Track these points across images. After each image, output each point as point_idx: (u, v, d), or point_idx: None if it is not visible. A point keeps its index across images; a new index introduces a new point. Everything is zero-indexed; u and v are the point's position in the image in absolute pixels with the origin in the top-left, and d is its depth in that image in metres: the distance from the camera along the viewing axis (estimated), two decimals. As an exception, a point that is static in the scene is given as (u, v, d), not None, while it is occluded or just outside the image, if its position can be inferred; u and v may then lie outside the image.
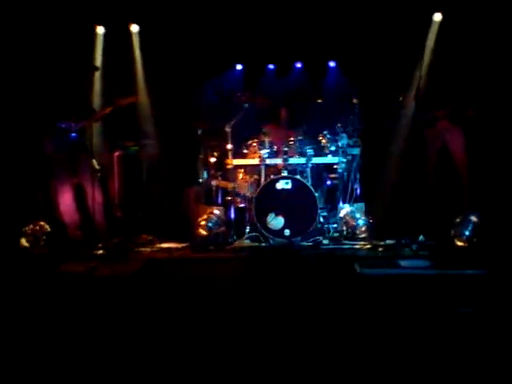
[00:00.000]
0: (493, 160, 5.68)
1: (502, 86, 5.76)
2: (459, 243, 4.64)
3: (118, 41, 6.68)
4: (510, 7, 5.65)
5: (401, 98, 6.03)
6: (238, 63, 7.02)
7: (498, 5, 5.77)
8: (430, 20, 6.28)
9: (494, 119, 5.73)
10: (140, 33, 6.78)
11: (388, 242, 5.05)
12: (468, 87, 5.50)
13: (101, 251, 5.02)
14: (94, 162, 5.31)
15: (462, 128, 5.57)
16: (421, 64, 5.53)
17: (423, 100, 5.54)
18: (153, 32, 6.67)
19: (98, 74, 6.38)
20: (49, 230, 5.20)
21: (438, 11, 6.22)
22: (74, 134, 5.44)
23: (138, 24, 6.73)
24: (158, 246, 5.38)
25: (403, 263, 4.24)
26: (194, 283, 4.15)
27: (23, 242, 5.14)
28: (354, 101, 5.75)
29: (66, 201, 5.52)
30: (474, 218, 4.65)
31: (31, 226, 5.14)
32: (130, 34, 6.77)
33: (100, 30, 6.63)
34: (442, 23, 6.24)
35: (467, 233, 4.62)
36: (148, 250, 5.23)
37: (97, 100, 6.41)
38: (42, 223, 5.21)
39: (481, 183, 5.46)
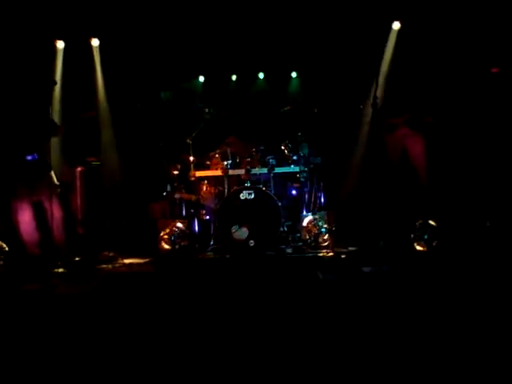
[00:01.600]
0: (452, 165, 5.77)
1: (459, 93, 5.88)
2: (419, 247, 4.69)
3: (77, 55, 6.61)
4: (467, 14, 5.79)
5: (361, 106, 6.09)
6: (201, 74, 7.00)
7: (455, 13, 5.90)
8: (389, 28, 6.38)
9: (452, 125, 5.84)
10: (100, 46, 6.72)
11: (350, 249, 5.07)
12: (426, 94, 5.59)
13: (61, 269, 4.91)
14: (54, 177, 5.22)
15: (422, 134, 5.64)
16: (378, 72, 5.60)
17: (381, 107, 5.60)
18: (113, 45, 6.63)
19: (57, 88, 6.29)
20: (6, 248, 5.07)
21: (396, 20, 6.34)
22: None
23: (98, 38, 6.67)
24: (120, 262, 5.29)
25: (366, 269, 4.27)
26: (156, 298, 4.09)
27: (-19, 261, 5.01)
28: (315, 110, 5.80)
29: (25, 219, 5.39)
30: (432, 223, 4.71)
31: (-12, 246, 5.01)
32: (90, 47, 6.70)
33: (60, 44, 6.56)
34: (400, 31, 6.36)
35: (426, 237, 4.67)
36: (110, 266, 5.14)
37: (56, 115, 6.31)
38: (-1, 242, 5.09)
39: (440, 188, 5.53)
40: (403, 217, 5.24)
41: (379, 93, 5.49)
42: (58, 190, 5.31)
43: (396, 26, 6.37)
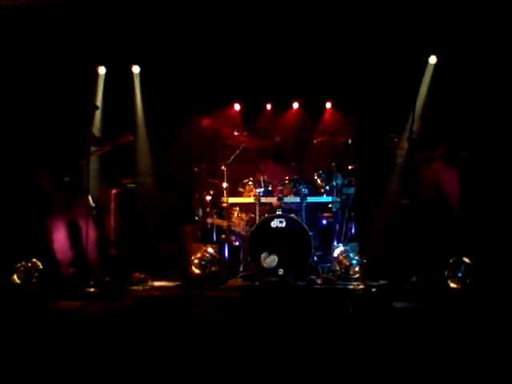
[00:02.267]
0: (487, 201, 5.66)
1: (494, 127, 5.81)
2: (452, 285, 4.59)
3: (118, 80, 6.82)
4: (502, 49, 5.77)
5: (396, 139, 6.07)
6: (236, 102, 7.10)
7: (491, 47, 5.88)
8: (426, 62, 6.40)
9: (487, 160, 5.75)
10: (141, 73, 6.93)
11: (381, 282, 4.99)
12: (462, 128, 5.55)
13: (92, 289, 4.98)
14: (90, 198, 5.34)
15: (457, 168, 5.57)
16: (414, 105, 5.59)
17: (417, 140, 5.58)
18: (153, 72, 6.82)
19: (98, 113, 6.49)
20: (41, 267, 5.19)
21: (433, 54, 6.36)
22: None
23: (139, 65, 6.88)
24: (151, 284, 5.33)
25: (397, 304, 4.20)
26: (186, 322, 4.10)
27: (15, 278, 5.13)
28: (349, 141, 5.81)
29: (59, 238, 5.51)
30: (466, 260, 4.61)
31: (23, 263, 5.13)
32: (131, 74, 6.91)
33: (101, 70, 6.79)
34: (436, 65, 6.37)
35: (460, 274, 4.57)
36: (140, 288, 5.19)
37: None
38: (34, 260, 5.21)
39: (474, 223, 5.42)
40: (437, 252, 5.15)
41: (415, 126, 5.48)
42: (94, 211, 5.42)
43: (432, 60, 6.40)
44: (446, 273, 4.66)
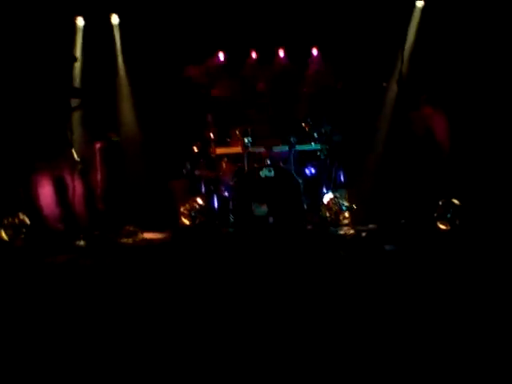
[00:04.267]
0: (475, 144, 5.67)
1: (482, 72, 5.76)
2: (442, 226, 4.63)
3: (97, 32, 6.59)
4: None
5: (384, 84, 6.00)
6: (220, 51, 6.92)
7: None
8: (413, 6, 6.27)
9: (475, 104, 5.73)
10: (120, 23, 6.69)
11: (371, 226, 5.03)
12: (448, 72, 5.50)
13: (82, 242, 4.95)
14: (74, 153, 5.24)
15: (445, 113, 5.55)
16: (403, 49, 5.50)
17: (406, 84, 5.52)
18: (133, 22, 6.59)
19: (78, 66, 6.31)
20: (28, 222, 5.13)
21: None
22: None
23: (118, 15, 6.65)
24: (141, 236, 5.31)
25: (387, 247, 4.25)
26: (175, 271, 4.11)
27: (2, 234, 5.07)
28: (339, 86, 5.72)
29: (46, 194, 5.45)
30: (455, 201, 4.64)
31: (10, 219, 5.07)
32: (110, 25, 6.68)
33: (80, 21, 6.54)
34: (423, 10, 6.24)
35: (449, 215, 4.61)
36: (130, 240, 5.17)
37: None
38: (21, 216, 5.14)
39: (463, 166, 5.44)
40: (426, 195, 5.17)
41: (403, 70, 5.41)
42: (79, 166, 5.33)
43: (420, 3, 6.26)
44: (435, 215, 4.68)
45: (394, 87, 5.74)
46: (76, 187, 5.36)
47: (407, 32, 6.03)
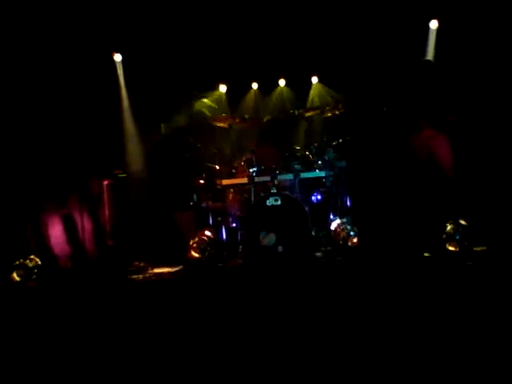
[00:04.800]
0: (478, 163, 5.69)
1: (481, 90, 5.82)
2: (451, 248, 4.63)
3: (100, 69, 6.72)
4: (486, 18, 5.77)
5: (385, 109, 6.06)
6: (221, 83, 7.04)
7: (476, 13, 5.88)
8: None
9: (476, 125, 5.77)
10: (123, 61, 6.84)
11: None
12: (447, 94, 5.55)
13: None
14: None
15: (447, 134, 5.58)
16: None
17: (405, 109, 5.59)
18: (136, 59, 6.73)
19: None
20: (39, 263, 5.17)
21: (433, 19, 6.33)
22: None
23: (120, 52, 6.79)
24: (151, 271, 5.33)
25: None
26: (187, 305, 4.12)
27: (14, 276, 5.10)
28: (340, 108, 5.80)
29: (56, 233, 5.51)
30: (463, 222, 4.65)
31: (21, 260, 5.11)
32: (113, 62, 6.82)
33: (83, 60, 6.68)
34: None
35: (458, 237, 4.61)
36: (140, 276, 5.18)
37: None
38: (32, 257, 5.19)
39: (468, 187, 5.45)
40: (433, 217, 5.17)
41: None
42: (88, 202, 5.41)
43: (434, 25, 6.35)
44: (443, 236, 4.69)
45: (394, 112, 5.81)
46: (85, 224, 5.43)
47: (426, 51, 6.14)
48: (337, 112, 5.82)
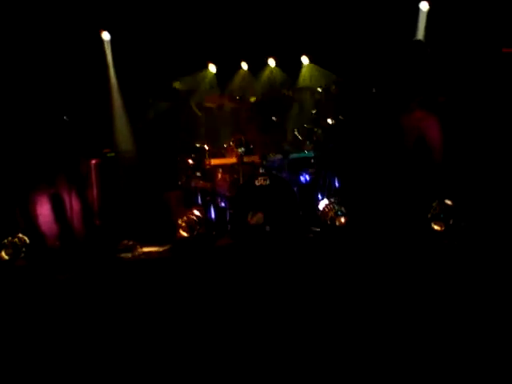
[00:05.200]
0: (466, 144, 5.72)
1: (470, 72, 5.82)
2: (436, 227, 4.69)
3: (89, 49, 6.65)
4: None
5: (374, 90, 6.07)
6: (211, 63, 6.99)
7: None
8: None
9: (465, 104, 5.78)
10: (111, 40, 6.76)
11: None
12: (437, 75, 5.56)
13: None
14: None
15: (438, 116, 5.59)
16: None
17: (395, 91, 5.61)
18: (124, 38, 6.66)
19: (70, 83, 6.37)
20: (28, 242, 5.17)
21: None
22: None
23: (108, 31, 6.72)
24: (140, 250, 5.35)
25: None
26: (175, 284, 4.16)
27: (3, 254, 5.10)
28: (333, 89, 5.79)
29: (44, 212, 5.50)
30: (448, 202, 4.71)
31: (10, 239, 5.11)
32: (101, 41, 6.75)
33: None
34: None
35: (442, 216, 4.67)
36: (129, 255, 5.20)
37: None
38: (20, 235, 5.18)
39: (456, 168, 5.49)
40: (420, 197, 5.22)
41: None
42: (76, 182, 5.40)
43: (425, 6, 6.32)
44: (429, 215, 4.75)
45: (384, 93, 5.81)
46: (73, 203, 5.42)
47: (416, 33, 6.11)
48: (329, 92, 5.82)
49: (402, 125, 5.71)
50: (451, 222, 4.69)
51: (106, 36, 6.75)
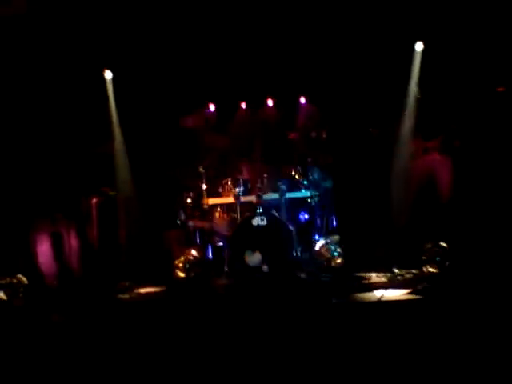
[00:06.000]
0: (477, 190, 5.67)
1: (485, 116, 5.83)
2: (431, 269, 4.70)
3: (91, 88, 6.78)
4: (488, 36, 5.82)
5: (370, 130, 6.15)
6: (210, 103, 7.12)
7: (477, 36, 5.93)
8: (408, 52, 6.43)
9: (480, 150, 5.74)
10: (113, 78, 6.89)
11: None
12: (455, 118, 5.61)
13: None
14: None
15: (451, 158, 5.60)
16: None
17: (415, 131, 5.68)
18: (125, 77, 6.79)
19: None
20: (26, 282, 5.20)
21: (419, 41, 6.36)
22: None
23: (110, 70, 6.85)
24: (137, 291, 5.36)
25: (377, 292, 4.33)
26: (170, 324, 4.16)
27: (1, 295, 5.13)
28: (324, 135, 5.89)
29: (44, 251, 5.54)
30: (443, 244, 4.73)
31: (8, 279, 5.14)
32: (103, 80, 6.88)
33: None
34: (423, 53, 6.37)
35: (438, 259, 4.68)
36: (127, 296, 5.22)
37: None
38: (19, 275, 5.22)
39: (461, 212, 5.42)
40: (417, 240, 5.21)
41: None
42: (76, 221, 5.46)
43: (419, 47, 6.39)
44: (423, 258, 4.76)
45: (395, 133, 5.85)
46: (72, 243, 5.47)
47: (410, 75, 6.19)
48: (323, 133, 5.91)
49: (416, 165, 5.72)
50: (447, 264, 4.70)
51: (108, 75, 6.87)
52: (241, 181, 5.87)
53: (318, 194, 5.80)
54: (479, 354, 3.01)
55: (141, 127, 6.77)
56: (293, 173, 5.97)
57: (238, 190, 5.81)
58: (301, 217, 6.08)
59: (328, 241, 5.48)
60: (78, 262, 5.55)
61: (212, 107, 7.06)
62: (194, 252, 5.54)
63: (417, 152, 5.72)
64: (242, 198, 5.80)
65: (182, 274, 5.30)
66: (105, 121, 6.83)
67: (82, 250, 5.67)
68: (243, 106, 7.15)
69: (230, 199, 5.85)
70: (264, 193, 5.78)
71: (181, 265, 5.33)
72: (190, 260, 5.42)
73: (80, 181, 6.18)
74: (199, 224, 5.95)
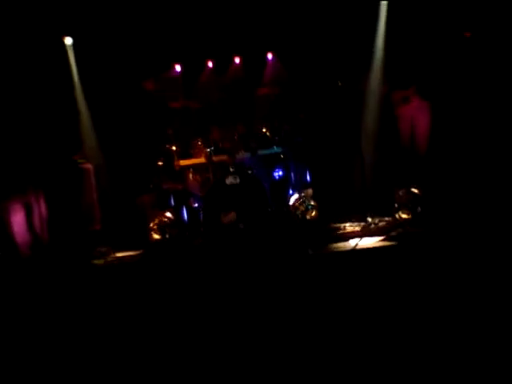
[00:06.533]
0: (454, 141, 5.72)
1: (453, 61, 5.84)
2: (403, 215, 4.77)
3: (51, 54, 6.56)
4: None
5: (340, 83, 6.10)
6: (176, 63, 6.96)
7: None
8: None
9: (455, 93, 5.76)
10: (74, 44, 6.68)
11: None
12: (428, 63, 5.59)
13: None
14: None
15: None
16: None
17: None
18: (87, 42, 6.58)
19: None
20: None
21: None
22: None
23: (71, 36, 6.63)
24: (113, 256, 5.33)
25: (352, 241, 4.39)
26: (147, 287, 4.17)
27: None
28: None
29: (18, 221, 5.45)
30: (415, 190, 4.78)
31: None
32: (63, 46, 6.66)
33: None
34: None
35: (410, 205, 4.75)
36: (102, 261, 5.18)
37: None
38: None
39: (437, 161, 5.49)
40: (390, 187, 5.25)
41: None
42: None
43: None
44: (396, 204, 4.82)
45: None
46: (45, 212, 5.39)
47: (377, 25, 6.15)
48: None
49: (398, 115, 5.72)
50: (419, 210, 4.76)
51: (68, 41, 6.65)
52: (211, 140, 5.80)
53: (289, 149, 5.78)
54: (453, 298, 3.08)
55: (104, 93, 6.60)
56: (264, 130, 5.91)
57: (208, 149, 5.74)
58: (275, 174, 6.07)
59: (302, 195, 5.48)
60: (48, 232, 5.47)
61: (178, 67, 6.90)
62: (168, 214, 5.50)
63: (397, 102, 5.70)
64: (214, 158, 5.75)
65: (157, 236, 5.27)
66: (68, 88, 6.66)
67: (52, 219, 5.57)
68: (210, 65, 7.02)
69: (202, 159, 5.79)
70: (236, 151, 5.73)
71: (156, 227, 5.29)
72: (164, 222, 5.38)
73: (49, 150, 6.04)
74: (173, 186, 5.89)
